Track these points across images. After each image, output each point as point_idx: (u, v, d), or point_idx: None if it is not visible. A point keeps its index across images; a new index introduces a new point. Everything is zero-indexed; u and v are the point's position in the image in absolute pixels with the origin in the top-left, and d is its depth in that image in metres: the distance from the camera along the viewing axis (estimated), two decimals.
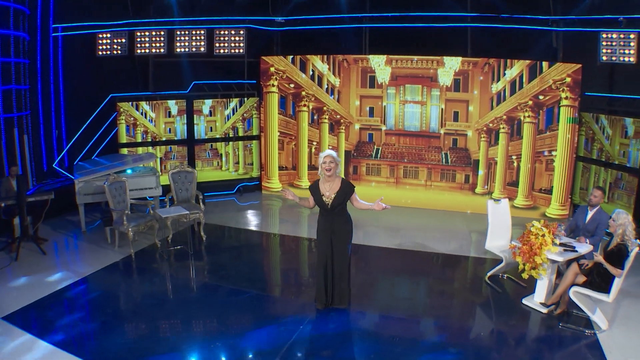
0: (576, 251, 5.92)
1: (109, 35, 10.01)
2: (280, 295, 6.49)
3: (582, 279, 5.63)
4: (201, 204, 8.11)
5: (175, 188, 8.31)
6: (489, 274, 6.88)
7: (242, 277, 6.92)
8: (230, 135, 10.81)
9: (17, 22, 8.93)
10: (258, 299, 6.32)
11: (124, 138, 10.00)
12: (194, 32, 10.27)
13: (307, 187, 10.56)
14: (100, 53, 10.05)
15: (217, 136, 10.72)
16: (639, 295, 6.38)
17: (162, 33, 10.18)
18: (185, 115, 10.36)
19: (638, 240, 5.48)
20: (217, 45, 10.42)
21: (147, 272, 6.93)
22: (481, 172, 9.98)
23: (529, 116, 9.44)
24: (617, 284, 5.36)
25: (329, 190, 5.62)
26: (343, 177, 6.02)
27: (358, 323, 5.65)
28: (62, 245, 7.90)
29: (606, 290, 5.41)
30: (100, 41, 10.01)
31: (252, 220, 9.58)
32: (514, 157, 9.73)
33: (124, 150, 9.96)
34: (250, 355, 4.93)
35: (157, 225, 7.68)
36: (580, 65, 8.85)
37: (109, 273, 6.83)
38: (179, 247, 7.72)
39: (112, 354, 4.93)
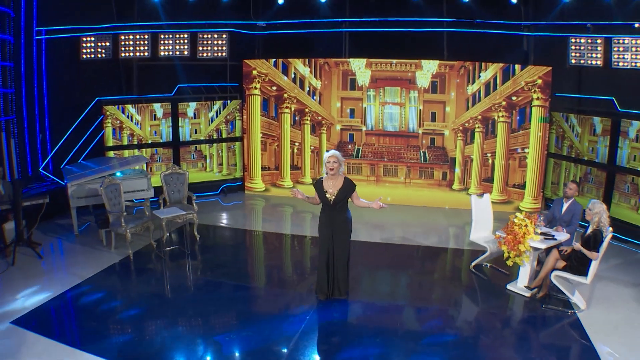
0: (555, 239, 6.45)
1: (92, 38, 10.06)
2: (281, 288, 6.76)
3: (561, 263, 6.15)
4: (194, 204, 8.32)
5: (168, 190, 8.47)
6: (473, 263, 7.36)
7: (242, 273, 7.23)
8: (214, 137, 11.01)
9: (2, 25, 8.92)
10: (261, 293, 6.63)
11: (110, 141, 10.07)
12: (177, 36, 10.44)
13: (291, 186, 11.04)
14: (84, 56, 10.09)
15: (202, 138, 10.89)
16: (611, 278, 6.99)
17: (146, 37, 10.31)
18: (170, 118, 10.51)
19: (611, 228, 6.04)
20: (201, 48, 10.61)
21: (148, 272, 7.10)
22: (458, 169, 10.50)
23: (502, 116, 10.01)
24: (593, 267, 5.89)
25: (332, 188, 5.97)
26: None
27: (359, 312, 6.02)
28: (57, 248, 7.94)
29: (584, 273, 5.95)
30: (84, 44, 10.05)
31: (240, 220, 9.81)
32: (488, 154, 10.29)
33: (110, 153, 10.04)
34: (266, 344, 5.21)
35: (152, 227, 7.85)
36: (550, 68, 9.49)
37: (111, 274, 6.97)
38: (175, 247, 7.91)
39: (132, 351, 5.11)
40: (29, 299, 6.14)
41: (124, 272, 7.06)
